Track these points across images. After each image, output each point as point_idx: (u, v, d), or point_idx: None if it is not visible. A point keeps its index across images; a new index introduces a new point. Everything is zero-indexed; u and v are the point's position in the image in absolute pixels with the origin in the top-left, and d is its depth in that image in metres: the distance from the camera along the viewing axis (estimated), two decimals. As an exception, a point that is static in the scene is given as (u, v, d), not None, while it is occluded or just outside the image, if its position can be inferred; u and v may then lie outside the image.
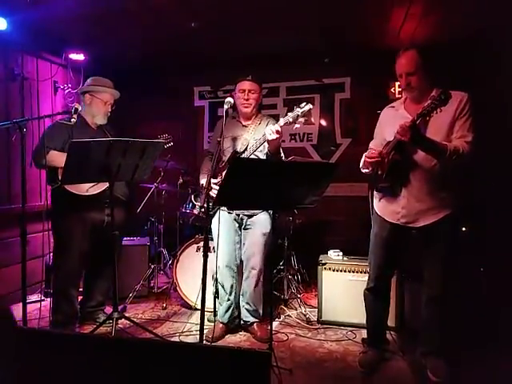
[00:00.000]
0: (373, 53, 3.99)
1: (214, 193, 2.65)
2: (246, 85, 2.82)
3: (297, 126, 2.47)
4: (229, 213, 2.83)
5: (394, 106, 2.43)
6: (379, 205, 2.40)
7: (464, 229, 3.08)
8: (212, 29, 3.67)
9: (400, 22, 3.50)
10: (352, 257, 3.15)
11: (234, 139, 2.86)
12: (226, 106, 2.55)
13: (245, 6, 3.18)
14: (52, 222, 2.83)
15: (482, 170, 3.11)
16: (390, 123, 2.30)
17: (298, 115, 2.44)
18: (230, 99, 2.58)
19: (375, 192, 2.42)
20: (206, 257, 2.22)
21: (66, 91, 3.06)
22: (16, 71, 3.51)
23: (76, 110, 2.46)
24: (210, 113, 4.94)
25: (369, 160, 2.28)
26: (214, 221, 2.82)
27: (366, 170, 2.39)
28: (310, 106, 2.42)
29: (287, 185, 2.00)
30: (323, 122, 4.66)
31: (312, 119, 4.66)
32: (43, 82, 3.82)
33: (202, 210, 2.88)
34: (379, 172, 2.30)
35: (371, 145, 2.50)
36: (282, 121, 2.51)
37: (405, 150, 2.19)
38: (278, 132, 2.51)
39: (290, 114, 2.47)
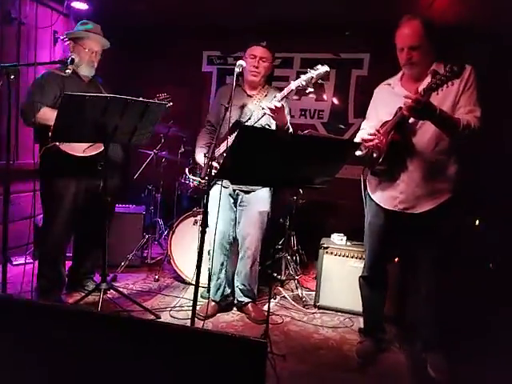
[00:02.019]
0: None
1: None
2: (258, 51, 2.58)
3: (310, 90, 2.23)
4: (224, 187, 2.60)
5: (389, 84, 2.21)
6: (375, 191, 2.23)
7: (478, 222, 2.92)
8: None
9: (432, -4, 3.23)
10: (356, 242, 2.98)
11: (238, 108, 2.63)
12: (237, 70, 2.32)
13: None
14: (41, 184, 2.62)
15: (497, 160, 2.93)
16: (386, 103, 2.12)
17: (312, 77, 2.18)
18: (242, 62, 2.36)
19: (370, 177, 2.25)
20: (203, 231, 2.07)
21: (66, 43, 2.81)
22: (13, 14, 3.23)
23: (72, 60, 2.25)
24: (218, 79, 4.68)
25: (367, 144, 2.09)
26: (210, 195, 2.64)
27: (360, 153, 2.19)
28: (326, 67, 2.16)
29: (299, 161, 1.81)
30: (336, 100, 4.43)
31: (324, 96, 4.43)
32: (42, 30, 3.54)
33: (202, 182, 2.69)
34: (374, 155, 2.11)
35: (363, 125, 2.32)
36: (293, 84, 2.26)
37: (405, 130, 2.00)
38: (275, 108, 2.30)
39: (302, 76, 2.22)
